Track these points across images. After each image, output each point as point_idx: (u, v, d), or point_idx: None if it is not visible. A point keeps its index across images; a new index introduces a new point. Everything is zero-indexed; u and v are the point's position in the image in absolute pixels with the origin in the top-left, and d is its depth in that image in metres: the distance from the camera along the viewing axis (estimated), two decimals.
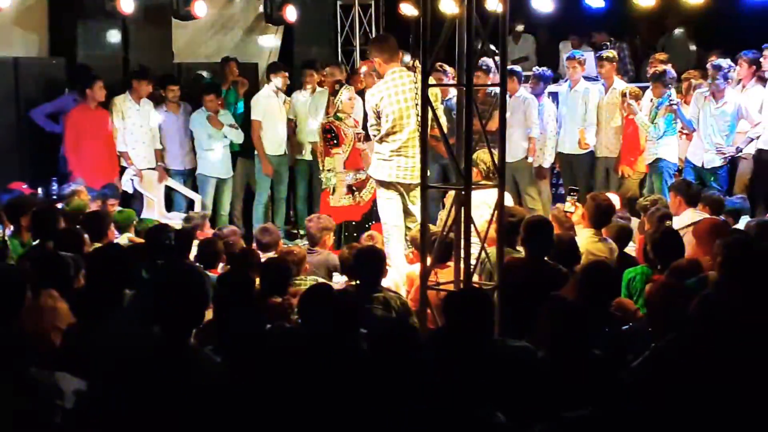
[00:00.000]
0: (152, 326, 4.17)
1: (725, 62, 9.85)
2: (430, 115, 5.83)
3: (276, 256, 7.02)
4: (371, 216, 9.17)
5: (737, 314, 4.52)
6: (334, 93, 9.62)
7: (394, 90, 7.96)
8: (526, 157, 10.60)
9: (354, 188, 9.45)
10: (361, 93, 9.90)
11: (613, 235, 7.26)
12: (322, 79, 10.98)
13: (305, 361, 4.35)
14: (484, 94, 9.81)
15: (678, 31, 12.76)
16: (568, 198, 7.72)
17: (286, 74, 10.99)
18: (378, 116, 8.02)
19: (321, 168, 9.74)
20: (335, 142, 9.43)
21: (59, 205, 8.34)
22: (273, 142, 10.90)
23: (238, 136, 10.75)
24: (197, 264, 6.84)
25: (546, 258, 6.16)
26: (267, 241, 7.69)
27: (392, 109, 7.94)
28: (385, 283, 6.49)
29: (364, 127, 9.26)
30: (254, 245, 7.80)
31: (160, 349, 4.06)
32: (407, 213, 8.19)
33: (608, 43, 12.20)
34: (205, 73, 11.66)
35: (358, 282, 6.28)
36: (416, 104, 7.52)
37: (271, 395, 4.17)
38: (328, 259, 7.71)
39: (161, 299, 4.13)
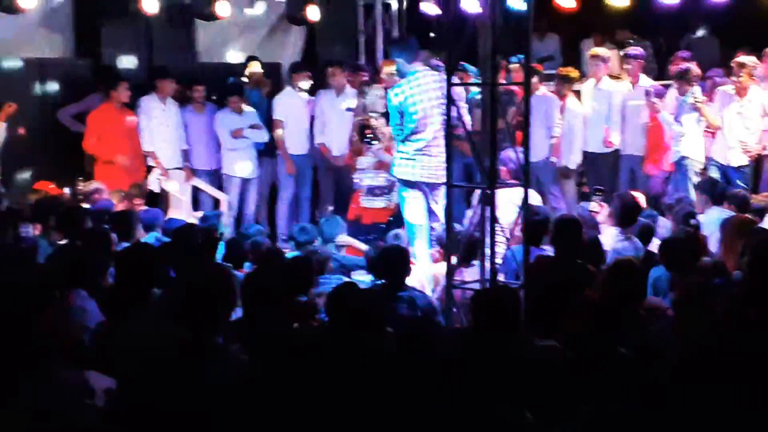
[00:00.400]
0: (179, 325, 4.20)
1: (750, 59, 9.81)
2: (454, 113, 5.84)
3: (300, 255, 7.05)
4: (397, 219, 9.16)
5: (764, 313, 4.52)
6: (361, 92, 9.62)
7: (417, 90, 7.96)
8: (549, 157, 10.58)
9: (386, 190, 9.45)
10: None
11: (636, 233, 7.24)
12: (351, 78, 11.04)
13: (331, 360, 4.37)
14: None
15: (702, 29, 12.71)
16: (594, 197, 7.71)
17: (309, 74, 11.03)
18: (401, 116, 8.04)
19: (353, 168, 9.77)
20: (372, 138, 9.40)
21: (86, 205, 8.41)
22: (296, 141, 10.94)
23: (261, 136, 10.78)
24: (224, 263, 6.87)
25: (574, 257, 6.16)
26: (304, 239, 7.69)
27: (415, 109, 7.95)
28: (410, 282, 6.51)
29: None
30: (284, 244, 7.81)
31: (187, 348, 4.10)
32: (431, 212, 8.20)
33: (631, 41, 12.14)
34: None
35: (383, 281, 6.30)
36: (440, 103, 7.52)
37: (296, 394, 4.19)
38: None
39: (189, 298, 4.16)
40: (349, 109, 10.58)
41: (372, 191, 9.54)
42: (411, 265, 6.56)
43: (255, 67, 11.26)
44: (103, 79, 10.21)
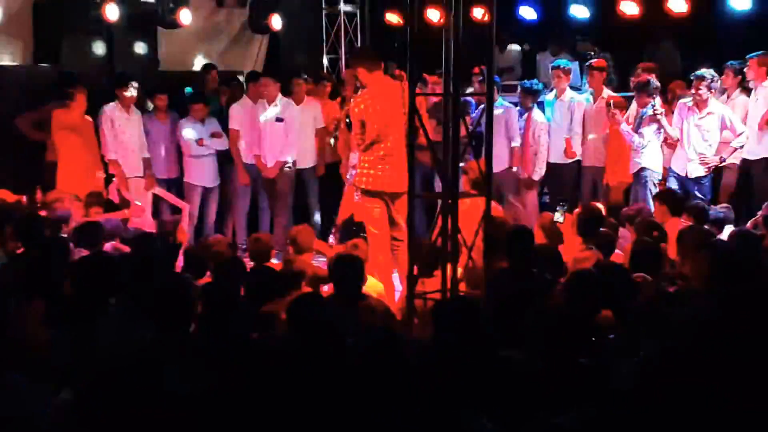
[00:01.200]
0: (137, 334, 4.17)
1: (708, 72, 9.91)
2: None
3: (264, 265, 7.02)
4: None
5: (722, 324, 4.54)
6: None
7: (378, 100, 7.97)
8: (511, 167, 10.62)
9: None
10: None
11: (597, 243, 7.27)
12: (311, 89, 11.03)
13: (292, 371, 4.34)
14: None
15: (664, 41, 12.83)
16: (558, 208, 7.74)
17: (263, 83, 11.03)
18: (362, 125, 8.04)
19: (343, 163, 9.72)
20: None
21: (44, 213, 8.31)
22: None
23: (222, 144, 10.73)
24: (184, 273, 6.82)
25: (529, 267, 6.18)
26: (260, 250, 7.63)
27: (375, 118, 7.95)
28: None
29: None
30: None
31: (147, 357, 4.06)
32: (392, 222, 8.20)
33: (592, 53, 12.23)
34: None
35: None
36: (403, 113, 7.53)
37: (257, 404, 4.16)
38: None
39: (149, 308, 4.13)
40: (279, 120, 10.48)
41: None
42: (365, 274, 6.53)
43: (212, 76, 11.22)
44: (63, 86, 10.12)
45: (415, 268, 6.37)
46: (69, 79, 10.22)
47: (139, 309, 4.21)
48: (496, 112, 9.80)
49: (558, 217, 7.61)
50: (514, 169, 10.62)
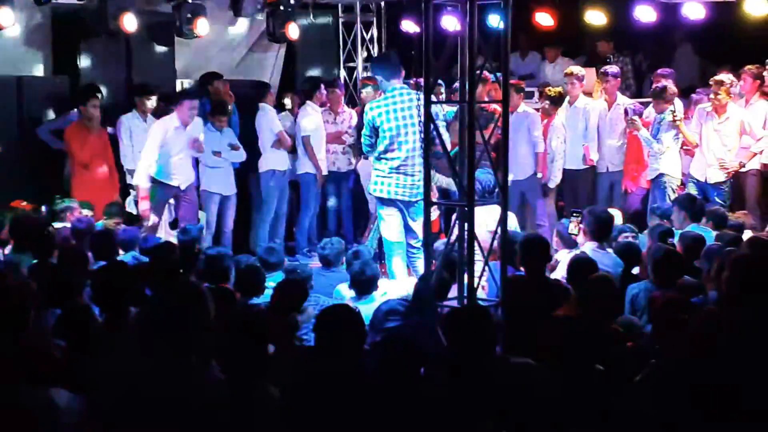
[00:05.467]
0: (155, 344, 4.16)
1: (727, 77, 9.87)
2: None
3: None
4: None
5: (740, 330, 4.51)
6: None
7: (393, 107, 7.98)
8: (535, 173, 10.58)
9: None
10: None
11: (620, 252, 7.23)
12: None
13: (315, 380, 4.34)
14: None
15: (682, 46, 12.79)
16: (572, 219, 7.72)
17: (273, 94, 11.20)
18: (374, 129, 8.04)
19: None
20: None
21: (64, 224, 8.36)
22: (280, 157, 10.94)
23: (239, 156, 10.74)
24: (203, 281, 6.81)
25: (545, 275, 6.17)
26: (274, 261, 7.63)
27: (390, 126, 7.96)
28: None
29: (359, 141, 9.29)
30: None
31: (163, 367, 4.06)
32: (408, 229, 8.20)
33: (610, 57, 12.20)
34: None
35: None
36: (419, 121, 7.53)
37: (278, 415, 4.17)
38: None
39: (163, 317, 4.13)
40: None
41: None
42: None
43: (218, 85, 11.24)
44: (82, 97, 10.17)
45: None
46: (87, 89, 10.27)
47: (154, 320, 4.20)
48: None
49: (572, 228, 7.58)
50: (539, 175, 10.58)
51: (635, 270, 7.09)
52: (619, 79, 10.82)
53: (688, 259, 6.78)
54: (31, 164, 10.38)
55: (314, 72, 12.90)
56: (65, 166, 10.29)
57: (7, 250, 7.70)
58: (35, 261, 7.06)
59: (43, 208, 9.33)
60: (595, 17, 11.80)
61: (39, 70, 10.84)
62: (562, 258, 7.34)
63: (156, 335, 4.12)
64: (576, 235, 7.53)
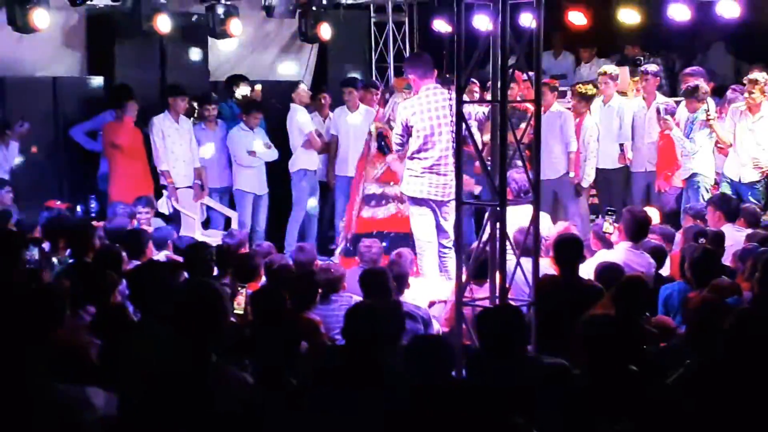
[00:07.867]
0: (181, 343, 4.18)
1: (762, 76, 9.78)
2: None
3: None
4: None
5: None
6: (384, 102, 9.57)
7: (426, 107, 7.98)
8: (568, 172, 10.52)
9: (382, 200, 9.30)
10: None
11: (649, 253, 7.19)
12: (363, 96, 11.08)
13: (345, 380, 4.34)
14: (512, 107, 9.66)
15: (715, 45, 12.68)
16: (607, 218, 7.67)
17: (304, 93, 11.09)
18: (406, 129, 8.05)
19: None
20: (386, 149, 9.31)
21: (100, 223, 8.43)
22: (310, 157, 10.96)
23: (272, 155, 10.80)
24: (236, 280, 6.85)
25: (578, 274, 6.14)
26: (303, 259, 7.65)
27: (423, 126, 7.96)
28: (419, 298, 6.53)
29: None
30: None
31: (182, 366, 4.08)
32: (440, 229, 8.20)
33: (641, 58, 12.11)
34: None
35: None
36: (450, 121, 7.52)
37: (298, 412, 4.19)
38: None
39: (177, 315, 4.15)
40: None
41: (368, 200, 9.34)
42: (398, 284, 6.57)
43: (244, 90, 11.27)
44: (116, 97, 10.25)
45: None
46: (121, 90, 10.36)
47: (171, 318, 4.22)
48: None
49: (607, 227, 7.54)
50: (571, 174, 10.52)
51: (663, 271, 7.06)
52: (658, 78, 10.74)
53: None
54: (66, 164, 10.48)
55: (345, 72, 12.91)
56: (99, 166, 10.39)
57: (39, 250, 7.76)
58: (71, 260, 7.13)
59: (78, 208, 9.42)
60: (629, 16, 11.70)
61: (74, 71, 10.95)
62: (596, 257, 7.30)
63: (177, 333, 4.15)
64: (611, 233, 7.49)
